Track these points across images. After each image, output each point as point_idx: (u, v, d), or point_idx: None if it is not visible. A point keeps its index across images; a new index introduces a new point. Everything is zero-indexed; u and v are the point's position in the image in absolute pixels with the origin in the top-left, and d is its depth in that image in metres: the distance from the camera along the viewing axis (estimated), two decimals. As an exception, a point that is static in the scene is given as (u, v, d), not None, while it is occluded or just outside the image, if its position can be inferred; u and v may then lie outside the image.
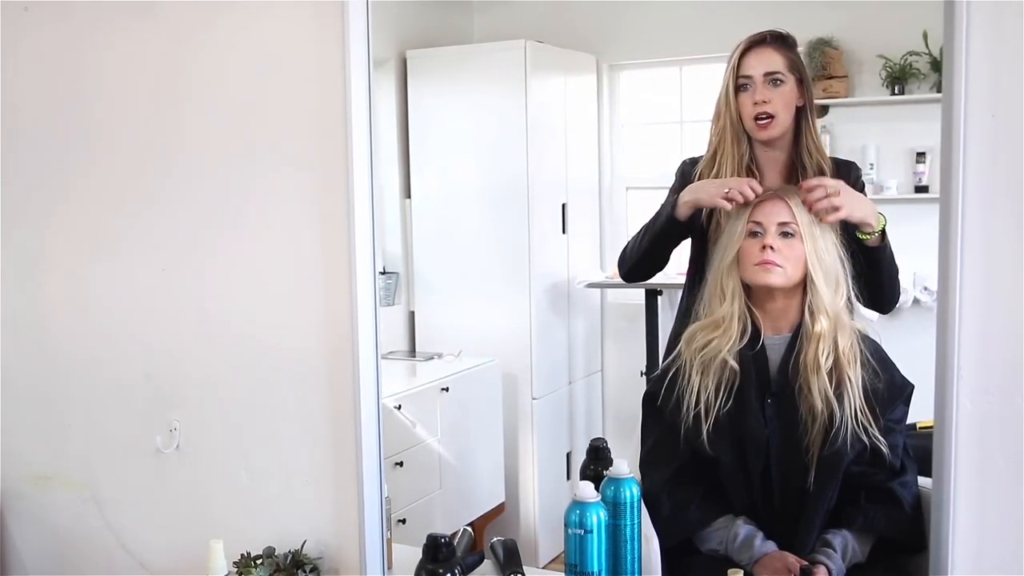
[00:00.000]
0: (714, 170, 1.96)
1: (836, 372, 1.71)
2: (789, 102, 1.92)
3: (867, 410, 1.69)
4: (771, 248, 1.72)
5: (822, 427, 1.70)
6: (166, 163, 1.98)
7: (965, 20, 1.32)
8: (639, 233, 2.03)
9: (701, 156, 2.01)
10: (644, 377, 2.97)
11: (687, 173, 2.02)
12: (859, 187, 1.95)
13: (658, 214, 1.98)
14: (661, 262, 2.04)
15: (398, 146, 3.46)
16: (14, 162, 2.17)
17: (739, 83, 1.93)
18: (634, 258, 2.04)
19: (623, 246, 2.09)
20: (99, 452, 2.14)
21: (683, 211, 1.89)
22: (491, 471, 3.25)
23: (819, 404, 1.70)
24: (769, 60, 1.92)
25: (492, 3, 3.60)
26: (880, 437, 1.69)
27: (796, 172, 1.94)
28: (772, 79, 1.90)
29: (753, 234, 1.75)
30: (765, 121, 1.91)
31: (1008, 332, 1.34)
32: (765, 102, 1.90)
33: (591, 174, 3.51)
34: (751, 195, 1.78)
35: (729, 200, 1.79)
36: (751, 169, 1.95)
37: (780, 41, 1.94)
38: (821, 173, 1.91)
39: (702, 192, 1.87)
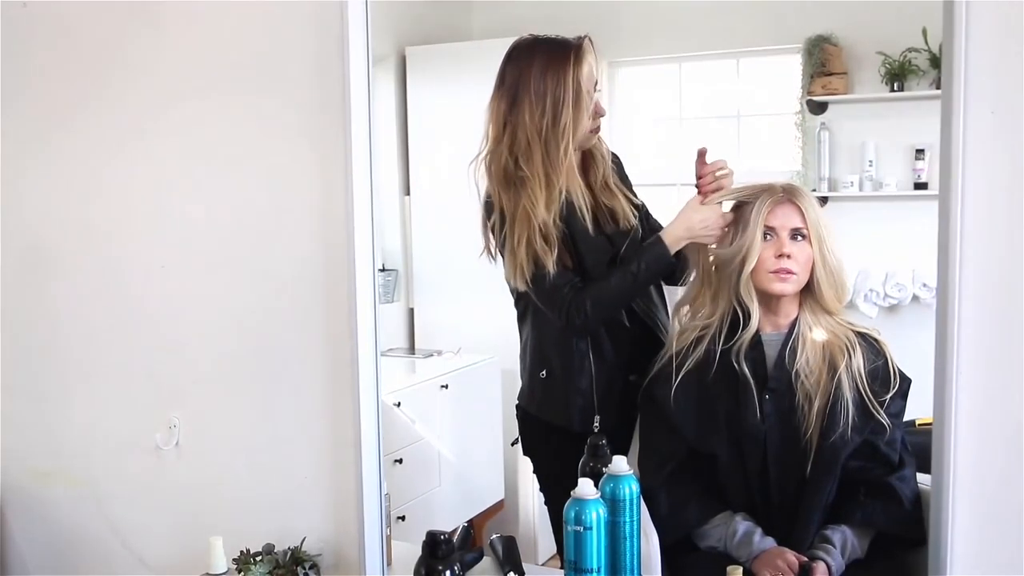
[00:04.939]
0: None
1: (834, 365, 1.72)
2: None
3: (867, 398, 1.70)
4: (787, 256, 1.73)
5: (820, 421, 1.70)
6: (165, 163, 1.98)
7: (964, 17, 1.32)
8: (624, 286, 1.86)
9: None
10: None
11: None
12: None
13: (648, 264, 1.84)
14: None
15: (397, 143, 3.45)
16: (14, 156, 2.17)
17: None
18: (617, 307, 1.90)
19: (588, 299, 1.85)
20: (99, 449, 2.14)
21: (677, 248, 1.84)
22: (490, 468, 3.24)
23: (817, 398, 1.70)
24: None
25: (491, 0, 3.59)
26: (884, 420, 1.69)
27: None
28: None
29: (763, 237, 1.75)
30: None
31: (1007, 329, 1.35)
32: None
33: (590, 171, 3.49)
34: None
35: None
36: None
37: None
38: None
39: (697, 231, 1.82)
